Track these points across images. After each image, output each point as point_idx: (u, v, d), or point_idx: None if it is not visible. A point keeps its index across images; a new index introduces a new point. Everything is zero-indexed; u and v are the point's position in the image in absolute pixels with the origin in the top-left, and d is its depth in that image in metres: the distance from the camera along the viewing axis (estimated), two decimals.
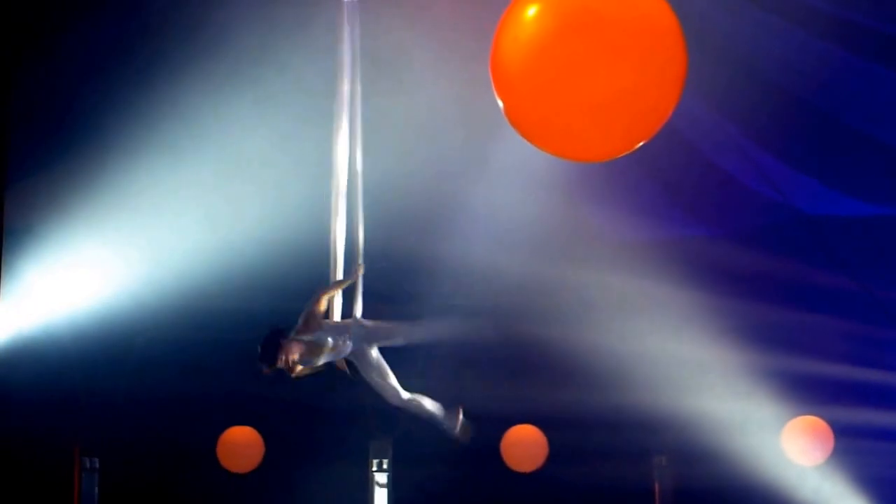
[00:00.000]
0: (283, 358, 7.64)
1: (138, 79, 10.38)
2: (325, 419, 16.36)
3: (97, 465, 15.79)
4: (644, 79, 4.80)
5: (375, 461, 16.76)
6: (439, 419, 8.23)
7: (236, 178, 11.59)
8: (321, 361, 7.81)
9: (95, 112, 10.73)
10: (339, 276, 7.65)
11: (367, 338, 7.93)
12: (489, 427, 15.86)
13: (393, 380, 8.05)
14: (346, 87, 7.35)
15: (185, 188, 11.58)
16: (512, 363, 15.44)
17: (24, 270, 12.18)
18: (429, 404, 8.28)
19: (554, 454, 15.71)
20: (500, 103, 5.05)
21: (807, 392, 14.59)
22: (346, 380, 7.95)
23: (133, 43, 10.28)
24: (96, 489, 15.74)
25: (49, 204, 11.74)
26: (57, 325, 13.67)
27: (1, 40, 7.54)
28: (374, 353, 7.96)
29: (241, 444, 15.58)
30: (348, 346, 7.82)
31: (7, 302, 11.90)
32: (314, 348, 7.75)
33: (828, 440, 14.42)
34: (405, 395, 8.13)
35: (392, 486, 16.76)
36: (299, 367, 7.71)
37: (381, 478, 16.78)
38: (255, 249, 12.29)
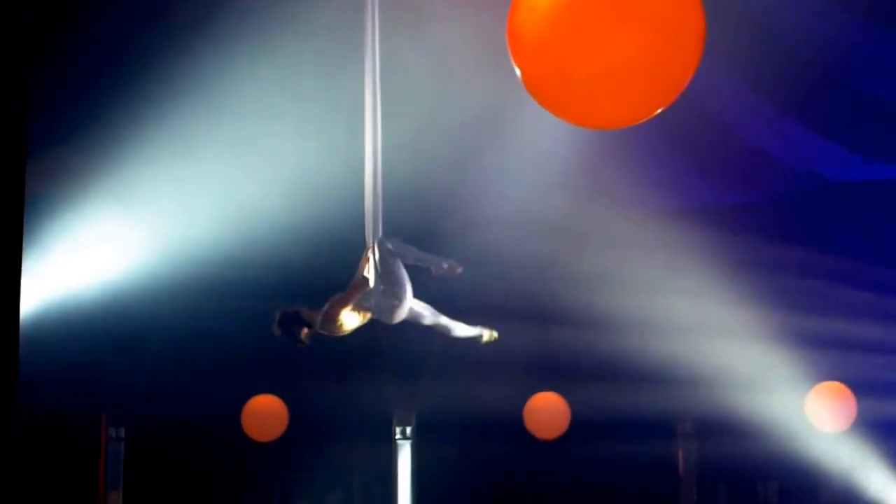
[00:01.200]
0: (302, 332, 7.64)
1: (161, 51, 10.39)
2: (348, 388, 16.43)
3: (123, 435, 15.91)
4: (662, 45, 4.79)
5: (399, 429, 16.84)
6: (466, 334, 8.28)
7: (256, 149, 11.60)
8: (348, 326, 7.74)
9: (118, 84, 10.75)
10: (370, 236, 7.58)
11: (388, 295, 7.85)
12: (512, 394, 15.93)
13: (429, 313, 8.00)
14: (371, 52, 7.31)
15: (206, 158, 11.60)
16: (536, 331, 15.46)
17: (47, 240, 12.23)
18: (458, 328, 8.31)
19: (576, 421, 15.74)
20: (518, 71, 5.05)
21: (831, 357, 14.57)
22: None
23: (157, 14, 10.29)
24: (122, 458, 15.86)
25: (71, 174, 11.78)
26: (81, 296, 13.74)
27: (25, 12, 7.55)
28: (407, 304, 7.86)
29: (266, 413, 15.66)
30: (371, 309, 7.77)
31: (31, 272, 11.96)
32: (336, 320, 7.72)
33: (851, 406, 14.39)
34: (443, 320, 8.10)
35: (415, 454, 16.84)
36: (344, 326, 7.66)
37: (405, 446, 16.86)
38: (278, 219, 12.31)
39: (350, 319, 7.66)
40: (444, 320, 8.11)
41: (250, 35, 10.13)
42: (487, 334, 8.35)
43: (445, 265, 7.97)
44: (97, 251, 13.03)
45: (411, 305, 7.85)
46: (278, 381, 15.81)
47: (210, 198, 12.24)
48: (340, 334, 7.74)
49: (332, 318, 7.61)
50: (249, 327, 15.31)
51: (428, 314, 7.98)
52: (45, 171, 10.32)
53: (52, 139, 10.58)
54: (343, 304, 7.59)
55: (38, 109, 8.16)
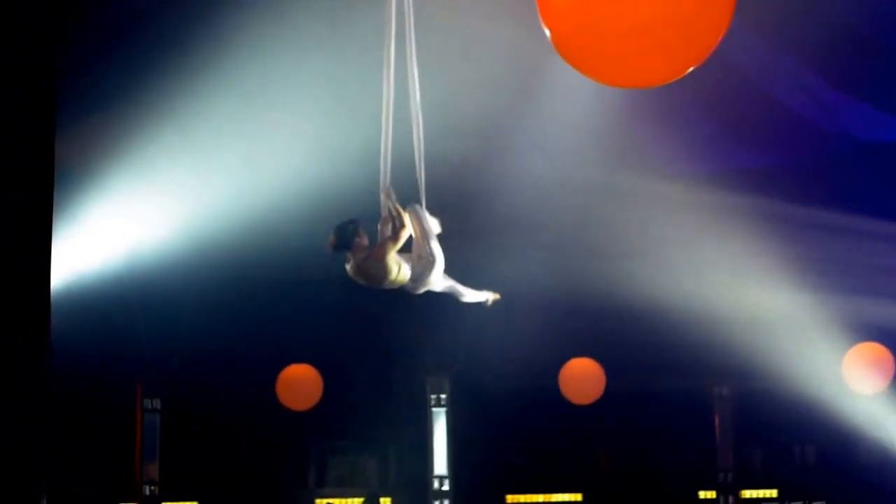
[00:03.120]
0: (356, 242, 7.44)
1: (187, 25, 10.39)
2: (382, 356, 16.45)
3: (159, 406, 15.97)
4: (692, 2, 4.73)
5: (433, 396, 16.84)
6: (474, 299, 8.18)
7: (289, 118, 11.59)
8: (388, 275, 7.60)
9: (144, 58, 10.77)
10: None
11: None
12: (548, 360, 15.92)
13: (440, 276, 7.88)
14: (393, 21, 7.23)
15: (240, 128, 11.60)
16: (571, 297, 15.41)
17: (77, 213, 12.26)
18: (467, 293, 8.20)
19: (612, 387, 15.70)
20: (547, 31, 5.00)
21: (868, 319, 14.49)
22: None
23: None
24: (158, 429, 15.94)
25: (101, 147, 11.80)
26: (113, 268, 13.77)
27: None
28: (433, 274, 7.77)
29: (301, 382, 15.70)
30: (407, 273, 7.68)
31: (62, 245, 11.99)
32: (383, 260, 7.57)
33: (889, 367, 14.32)
34: (449, 282, 8.00)
35: (450, 421, 16.84)
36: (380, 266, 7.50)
37: (440, 413, 16.86)
38: (308, 187, 12.30)
39: (391, 265, 7.52)
40: (457, 287, 8.05)
41: (280, 11, 10.13)
42: (491, 297, 8.27)
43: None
44: (128, 223, 13.05)
45: (437, 277, 7.77)
46: (312, 350, 15.84)
47: (240, 168, 12.24)
48: (371, 279, 7.58)
49: (379, 256, 7.47)
50: (283, 296, 15.42)
51: (444, 282, 7.91)
52: (75, 144, 10.34)
53: (80, 114, 10.59)
54: (392, 246, 7.48)
55: (67, 84, 8.17)
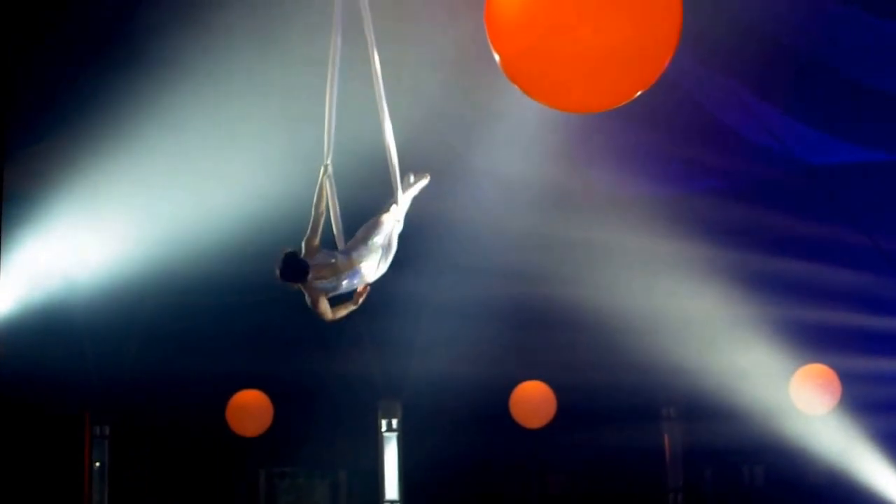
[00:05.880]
0: (310, 278, 7.17)
1: (138, 50, 10.38)
2: (333, 382, 16.41)
3: (108, 433, 15.86)
4: (640, 28, 4.77)
5: (384, 421, 16.81)
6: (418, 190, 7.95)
7: (233, 146, 11.57)
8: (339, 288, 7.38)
9: (96, 82, 10.74)
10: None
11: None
12: (498, 384, 15.93)
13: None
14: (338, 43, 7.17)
15: (185, 156, 11.57)
16: (520, 321, 15.46)
17: (26, 239, 12.18)
18: (416, 186, 7.95)
19: (563, 410, 15.73)
20: (497, 56, 5.02)
21: (813, 341, 14.59)
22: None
23: (133, 14, 10.27)
24: (107, 456, 15.82)
25: (48, 173, 11.74)
26: (62, 295, 13.69)
27: (3, 12, 7.51)
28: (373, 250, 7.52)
29: (250, 408, 15.62)
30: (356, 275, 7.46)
31: (9, 270, 11.92)
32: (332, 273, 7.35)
33: (835, 388, 14.42)
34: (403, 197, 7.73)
35: (402, 445, 16.82)
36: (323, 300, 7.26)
37: (391, 438, 16.84)
38: (258, 215, 12.27)
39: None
40: (398, 212, 7.74)
41: (229, 36, 10.13)
42: (424, 177, 7.96)
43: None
44: (75, 249, 12.98)
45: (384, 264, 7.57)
46: (263, 376, 15.78)
47: (189, 194, 12.20)
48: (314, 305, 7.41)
49: (314, 308, 7.32)
50: (232, 322, 15.35)
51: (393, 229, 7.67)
52: (23, 170, 10.28)
53: (27, 141, 10.55)
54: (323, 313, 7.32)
55: (14, 112, 8.13)
